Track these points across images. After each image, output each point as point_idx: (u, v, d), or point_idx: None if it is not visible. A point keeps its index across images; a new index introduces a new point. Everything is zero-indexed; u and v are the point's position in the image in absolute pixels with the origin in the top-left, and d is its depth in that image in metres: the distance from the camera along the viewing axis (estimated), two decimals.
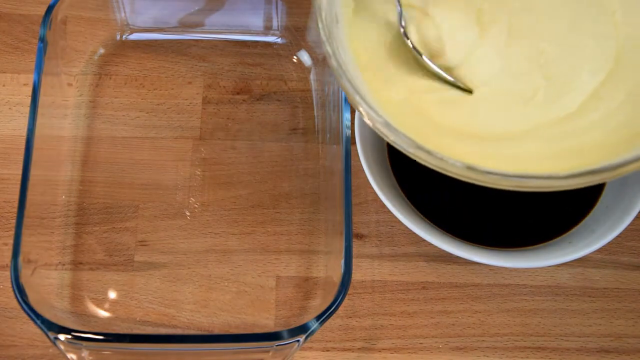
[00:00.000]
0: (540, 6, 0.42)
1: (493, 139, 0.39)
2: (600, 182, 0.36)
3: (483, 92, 0.41)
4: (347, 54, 0.41)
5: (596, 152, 0.38)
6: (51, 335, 0.42)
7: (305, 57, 0.55)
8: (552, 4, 0.42)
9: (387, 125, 0.37)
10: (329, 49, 0.39)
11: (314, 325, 0.42)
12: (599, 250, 0.46)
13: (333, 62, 0.39)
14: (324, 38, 0.39)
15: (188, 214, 0.51)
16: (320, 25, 0.39)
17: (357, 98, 0.38)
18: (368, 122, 0.38)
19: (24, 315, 0.42)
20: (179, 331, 0.48)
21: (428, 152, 0.36)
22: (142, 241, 0.50)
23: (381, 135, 0.38)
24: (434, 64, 0.41)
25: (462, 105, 0.41)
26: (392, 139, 0.37)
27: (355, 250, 0.50)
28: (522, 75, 0.41)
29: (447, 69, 0.42)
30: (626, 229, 0.45)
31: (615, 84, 0.39)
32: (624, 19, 0.41)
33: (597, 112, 0.39)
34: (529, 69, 0.41)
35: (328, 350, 0.48)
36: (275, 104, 0.54)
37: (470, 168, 0.36)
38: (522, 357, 0.49)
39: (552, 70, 0.41)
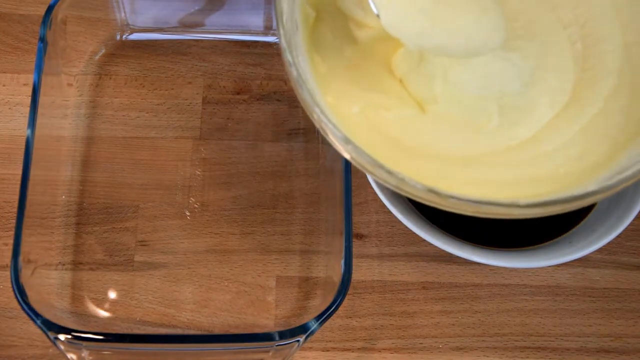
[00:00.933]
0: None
1: (450, 162, 0.38)
2: (562, 212, 0.36)
3: (437, 112, 0.40)
4: (306, 63, 0.39)
5: (551, 183, 0.37)
6: (51, 335, 0.42)
7: None
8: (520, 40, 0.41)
9: (347, 140, 0.36)
10: (289, 57, 0.37)
11: (314, 325, 0.42)
12: (599, 250, 0.46)
13: (293, 72, 0.37)
14: (284, 45, 0.38)
15: (188, 214, 0.51)
16: (281, 32, 0.38)
17: (317, 110, 0.36)
18: (327, 135, 0.36)
19: (24, 315, 0.42)
20: (179, 331, 0.48)
21: (388, 172, 0.35)
22: (142, 241, 0.50)
23: (339, 150, 0.36)
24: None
25: (417, 125, 0.40)
26: (351, 155, 0.36)
27: (355, 250, 0.50)
28: (477, 101, 0.40)
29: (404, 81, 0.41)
30: (626, 229, 0.45)
31: (570, 117, 0.39)
32: (583, 51, 0.40)
33: (551, 143, 0.39)
34: (484, 96, 0.40)
35: (328, 350, 0.48)
36: (275, 104, 0.54)
37: (431, 191, 0.35)
38: (522, 357, 0.49)
39: (508, 99, 0.40)
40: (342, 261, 0.44)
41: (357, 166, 0.37)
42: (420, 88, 0.41)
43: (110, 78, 0.55)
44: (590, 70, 0.40)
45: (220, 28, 0.56)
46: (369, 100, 0.40)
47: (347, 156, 0.37)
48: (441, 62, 0.41)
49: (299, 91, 0.37)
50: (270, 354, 0.44)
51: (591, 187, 0.35)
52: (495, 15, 0.40)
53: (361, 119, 0.39)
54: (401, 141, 0.39)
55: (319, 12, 0.42)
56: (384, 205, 0.45)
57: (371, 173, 0.36)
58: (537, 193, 0.36)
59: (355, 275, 0.50)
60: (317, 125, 0.37)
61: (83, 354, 0.44)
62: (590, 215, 0.48)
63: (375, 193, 0.46)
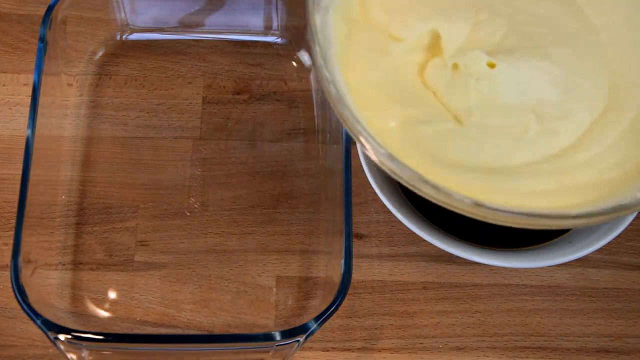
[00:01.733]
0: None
1: (491, 174, 0.38)
2: (607, 221, 0.35)
3: (474, 124, 0.40)
4: (340, 78, 0.39)
5: (594, 190, 0.37)
6: (51, 335, 0.42)
7: (305, 57, 0.55)
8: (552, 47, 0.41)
9: (390, 157, 0.36)
10: (326, 74, 0.37)
11: (314, 325, 0.42)
12: (599, 250, 0.46)
13: (332, 89, 0.37)
14: (320, 62, 0.37)
15: (188, 214, 0.51)
16: (317, 50, 0.38)
17: (359, 128, 0.36)
18: (370, 153, 0.36)
19: (24, 315, 0.42)
20: (179, 331, 0.48)
21: (434, 187, 0.35)
22: (142, 241, 0.50)
23: (382, 166, 0.36)
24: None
25: (456, 138, 0.40)
26: (394, 171, 0.36)
27: (355, 250, 0.50)
28: (513, 111, 0.40)
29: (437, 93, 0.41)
30: (626, 229, 0.45)
31: (609, 123, 0.39)
32: (616, 56, 0.40)
33: (591, 150, 0.38)
34: (520, 105, 0.40)
35: (328, 350, 0.48)
36: (275, 104, 0.54)
37: (478, 205, 0.34)
38: (522, 357, 0.49)
39: (544, 107, 0.40)
40: (342, 261, 0.44)
41: (401, 181, 0.36)
42: (455, 100, 0.40)
43: (110, 78, 0.55)
44: (626, 75, 0.40)
45: (220, 28, 0.56)
46: (405, 114, 0.40)
47: (391, 172, 0.36)
48: (474, 72, 0.40)
49: (339, 108, 0.37)
50: (270, 354, 0.44)
51: (629, 198, 0.35)
52: None
53: (398, 133, 0.39)
54: (440, 154, 0.39)
55: (351, 27, 0.41)
56: (384, 205, 0.45)
57: (415, 188, 0.36)
58: (581, 201, 0.36)
59: (355, 275, 0.50)
60: (356, 139, 0.37)
61: (83, 354, 0.44)
62: None
63: (375, 193, 0.46)
